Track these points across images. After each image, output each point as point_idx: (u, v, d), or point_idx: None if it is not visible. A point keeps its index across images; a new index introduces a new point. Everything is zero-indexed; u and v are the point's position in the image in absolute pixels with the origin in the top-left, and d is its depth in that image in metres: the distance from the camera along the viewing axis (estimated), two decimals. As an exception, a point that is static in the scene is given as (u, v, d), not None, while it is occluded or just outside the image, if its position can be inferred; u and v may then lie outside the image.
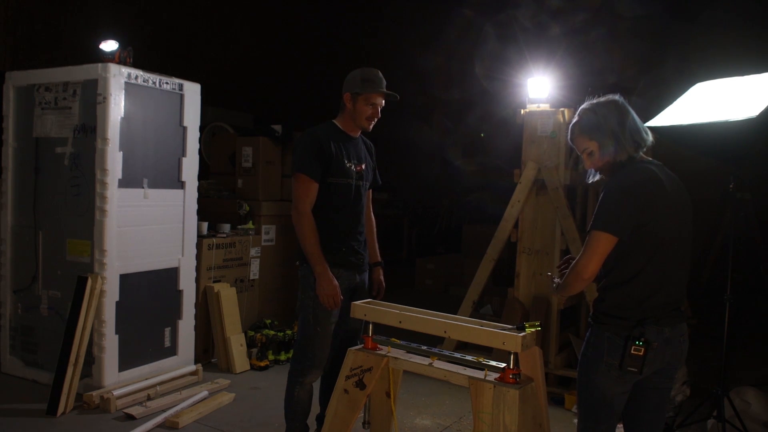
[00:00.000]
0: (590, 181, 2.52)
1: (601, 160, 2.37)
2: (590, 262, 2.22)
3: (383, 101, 3.15)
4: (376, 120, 3.17)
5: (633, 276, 2.26)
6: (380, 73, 3.13)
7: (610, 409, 2.34)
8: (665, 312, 2.27)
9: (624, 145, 2.31)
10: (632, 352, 2.19)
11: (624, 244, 2.23)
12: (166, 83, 4.24)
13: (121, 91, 3.93)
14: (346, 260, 3.14)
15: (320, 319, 3.07)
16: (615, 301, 2.29)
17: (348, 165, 3.12)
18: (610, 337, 2.26)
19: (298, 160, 3.05)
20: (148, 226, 4.19)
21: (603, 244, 2.20)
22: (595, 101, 2.42)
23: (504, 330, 2.49)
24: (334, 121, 3.20)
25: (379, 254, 3.45)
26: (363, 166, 3.22)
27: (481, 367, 2.51)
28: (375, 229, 3.46)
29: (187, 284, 4.50)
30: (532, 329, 2.45)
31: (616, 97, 2.41)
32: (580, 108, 2.45)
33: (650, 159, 2.39)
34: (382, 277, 3.43)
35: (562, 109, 4.48)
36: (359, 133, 3.25)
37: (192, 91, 4.44)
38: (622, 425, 2.56)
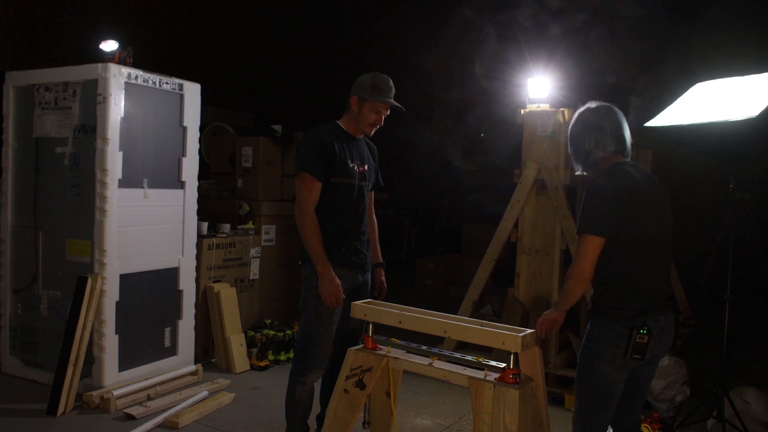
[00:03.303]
0: (577, 173, 2.71)
1: (579, 160, 2.60)
2: (586, 263, 2.40)
3: (389, 110, 3.17)
4: (378, 127, 3.19)
5: (625, 271, 2.42)
6: (391, 82, 3.14)
7: (611, 398, 2.47)
8: (659, 302, 2.44)
9: (600, 148, 2.52)
10: (637, 340, 2.34)
11: (611, 243, 2.40)
12: (166, 83, 4.24)
13: (121, 91, 3.93)
14: (349, 260, 3.15)
15: (322, 318, 3.07)
16: (614, 294, 2.43)
17: (351, 165, 3.13)
18: (615, 327, 2.39)
19: (302, 159, 3.07)
20: (148, 226, 4.19)
21: (593, 245, 2.39)
22: (584, 108, 2.62)
23: (504, 330, 2.50)
24: (337, 121, 3.22)
25: (380, 255, 3.46)
26: (366, 167, 3.23)
27: (481, 367, 2.51)
28: (377, 230, 3.47)
29: (187, 284, 4.50)
30: None
31: (598, 104, 2.61)
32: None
33: (626, 161, 2.55)
34: (383, 278, 3.44)
35: (562, 109, 4.47)
36: (362, 134, 3.26)
37: (192, 91, 4.44)
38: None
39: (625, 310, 2.38)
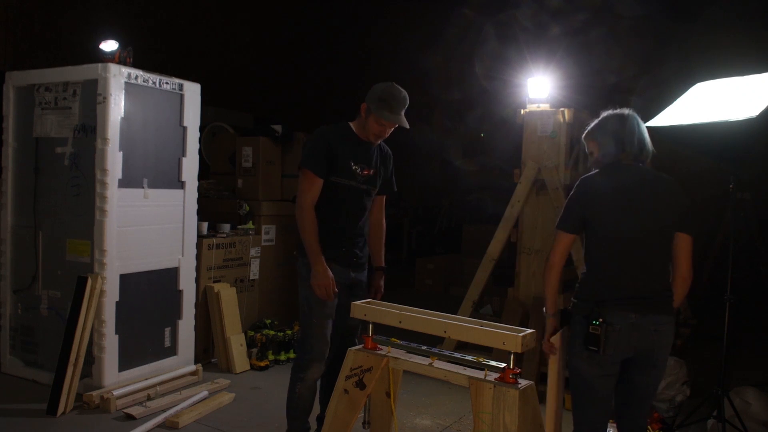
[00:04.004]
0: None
1: (598, 160, 2.65)
2: (554, 256, 2.59)
3: (396, 125, 3.12)
4: (383, 138, 3.17)
5: (591, 266, 2.52)
6: (403, 94, 3.08)
7: (593, 393, 2.47)
8: (630, 298, 2.41)
9: (600, 148, 2.61)
10: (590, 330, 2.38)
11: (586, 239, 2.54)
12: (166, 83, 4.24)
13: (121, 91, 3.93)
14: (341, 258, 3.16)
15: (315, 310, 3.09)
16: (580, 288, 2.53)
17: (354, 167, 3.13)
18: (579, 320, 2.47)
19: (306, 155, 3.09)
20: (148, 226, 4.19)
21: (560, 240, 2.58)
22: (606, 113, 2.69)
23: (504, 330, 2.50)
24: (350, 123, 3.21)
25: (383, 260, 3.44)
26: (371, 171, 3.21)
27: (481, 367, 2.52)
28: (384, 236, 3.44)
29: (187, 284, 4.50)
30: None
31: (625, 110, 2.67)
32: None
33: (623, 163, 2.56)
34: (382, 282, 3.41)
35: (562, 109, 4.47)
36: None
37: (192, 91, 4.44)
38: (615, 425, 2.63)
39: (584, 302, 2.46)
